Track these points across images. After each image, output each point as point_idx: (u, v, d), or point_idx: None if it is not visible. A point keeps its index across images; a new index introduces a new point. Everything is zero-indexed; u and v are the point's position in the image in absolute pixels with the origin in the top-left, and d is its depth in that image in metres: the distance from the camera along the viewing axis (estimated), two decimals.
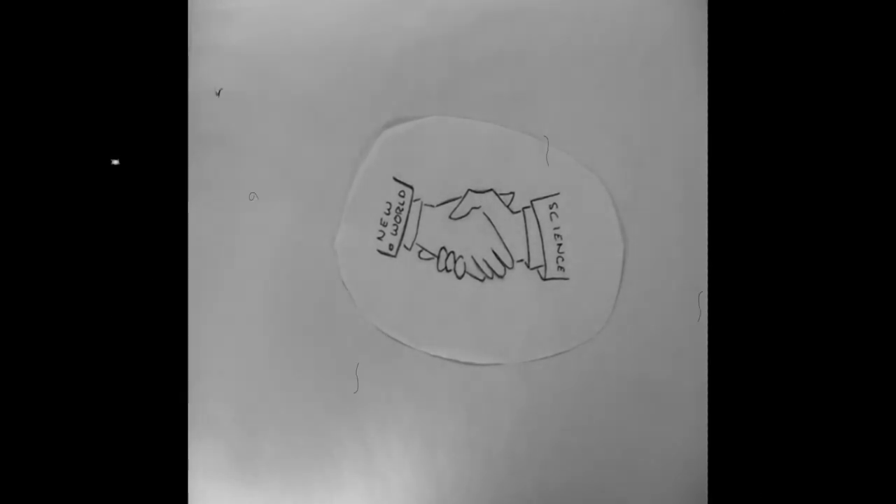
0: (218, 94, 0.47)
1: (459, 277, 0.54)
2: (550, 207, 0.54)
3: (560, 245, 0.54)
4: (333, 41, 0.55)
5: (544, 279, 0.54)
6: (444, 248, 0.55)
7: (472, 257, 0.54)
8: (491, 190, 0.55)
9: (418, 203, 0.55)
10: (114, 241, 0.40)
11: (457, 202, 0.55)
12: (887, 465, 0.38)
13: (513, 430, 0.54)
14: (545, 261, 0.54)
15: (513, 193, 0.54)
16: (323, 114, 0.55)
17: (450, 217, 0.55)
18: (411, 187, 0.55)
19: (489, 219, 0.54)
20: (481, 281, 0.54)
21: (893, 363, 0.39)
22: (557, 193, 0.54)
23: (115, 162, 0.37)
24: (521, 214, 0.54)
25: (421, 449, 0.54)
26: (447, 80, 0.55)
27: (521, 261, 0.54)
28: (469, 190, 0.55)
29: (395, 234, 0.55)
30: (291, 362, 0.55)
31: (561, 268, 0.54)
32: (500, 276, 0.54)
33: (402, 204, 0.55)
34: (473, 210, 0.55)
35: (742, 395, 0.40)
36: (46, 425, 0.38)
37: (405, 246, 0.55)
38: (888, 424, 0.38)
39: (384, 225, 0.55)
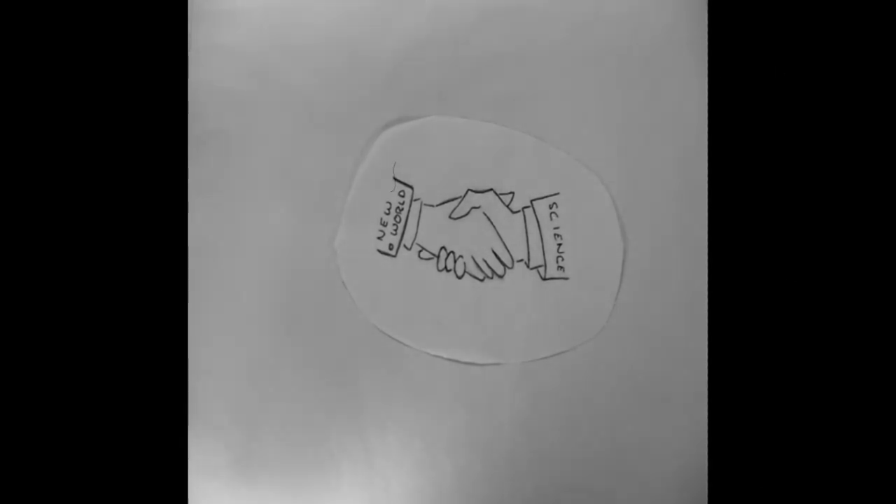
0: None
1: (459, 277, 0.54)
2: (550, 207, 0.54)
3: (560, 245, 0.54)
4: (333, 41, 0.55)
5: (544, 279, 0.54)
6: (444, 247, 0.55)
7: (472, 257, 0.54)
8: (491, 190, 0.55)
9: (418, 203, 0.55)
10: (113, 240, 0.40)
11: (457, 202, 0.55)
12: (887, 466, 0.38)
13: (513, 430, 0.54)
14: (545, 261, 0.54)
15: (513, 193, 0.54)
16: (323, 114, 0.55)
17: (450, 217, 0.55)
18: (411, 187, 0.55)
19: (489, 219, 0.54)
20: (481, 281, 0.54)
21: (893, 363, 0.38)
22: (557, 193, 0.54)
23: None
24: (520, 214, 0.54)
25: (421, 449, 0.54)
26: (447, 80, 0.55)
27: (521, 261, 0.54)
28: (469, 190, 0.55)
29: (395, 234, 0.55)
30: (291, 362, 0.55)
31: (561, 268, 0.54)
32: (500, 276, 0.54)
33: (402, 204, 0.55)
34: (473, 210, 0.55)
35: (742, 394, 0.40)
36: (46, 425, 0.38)
37: (405, 246, 0.55)
38: (888, 424, 0.38)
39: (384, 225, 0.55)
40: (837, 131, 0.40)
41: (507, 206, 0.54)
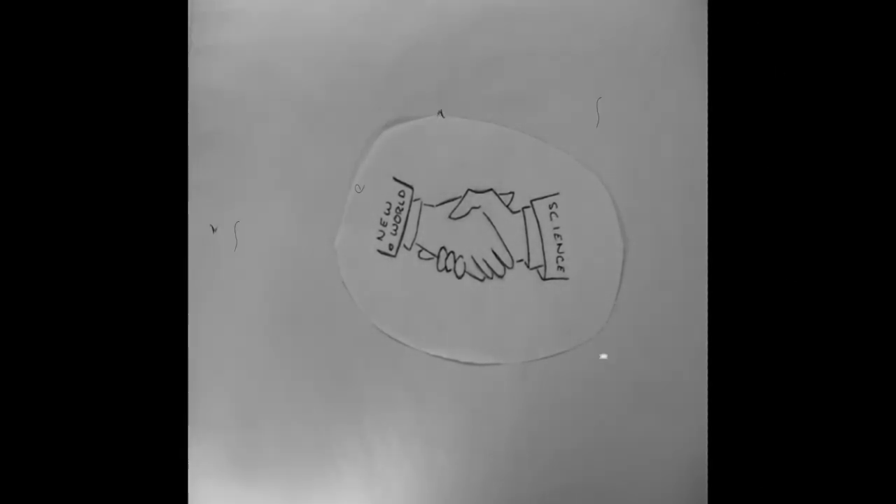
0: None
1: (459, 277, 0.54)
2: (550, 207, 0.54)
3: (560, 245, 0.54)
4: (333, 41, 0.56)
5: (544, 279, 0.54)
6: (443, 247, 0.55)
7: (472, 257, 0.54)
8: (491, 190, 0.55)
9: (418, 203, 0.55)
10: (114, 241, 0.40)
11: (456, 202, 0.55)
12: (887, 466, 0.38)
13: (513, 430, 0.54)
14: (545, 261, 0.54)
15: (512, 193, 0.54)
16: (323, 114, 0.55)
17: (450, 217, 0.55)
18: (411, 187, 0.55)
19: (489, 219, 0.54)
20: (481, 281, 0.54)
21: (893, 363, 0.38)
22: (557, 193, 0.54)
23: None
24: (520, 214, 0.54)
25: (421, 449, 0.54)
26: (447, 80, 0.55)
27: (521, 261, 0.54)
28: (469, 190, 0.55)
29: (395, 234, 0.55)
30: (291, 362, 0.55)
31: (561, 268, 0.54)
32: (500, 276, 0.54)
33: (402, 204, 0.55)
34: (473, 210, 0.55)
35: (742, 394, 0.40)
36: (45, 425, 0.38)
37: (405, 246, 0.55)
38: (888, 425, 0.38)
39: (384, 225, 0.55)
40: (837, 131, 0.40)
41: (507, 206, 0.54)
